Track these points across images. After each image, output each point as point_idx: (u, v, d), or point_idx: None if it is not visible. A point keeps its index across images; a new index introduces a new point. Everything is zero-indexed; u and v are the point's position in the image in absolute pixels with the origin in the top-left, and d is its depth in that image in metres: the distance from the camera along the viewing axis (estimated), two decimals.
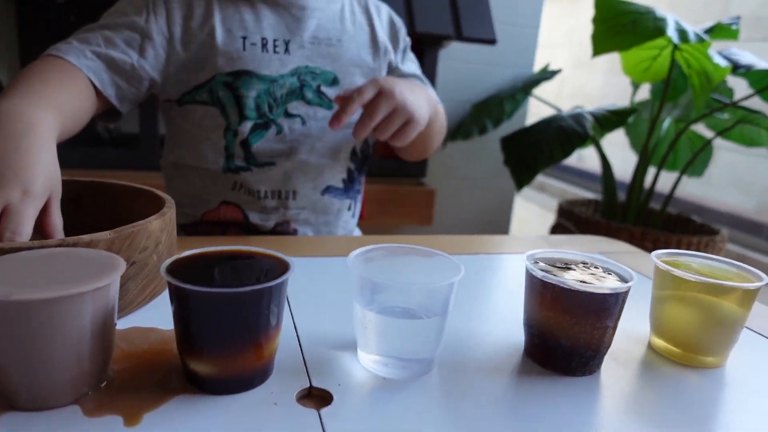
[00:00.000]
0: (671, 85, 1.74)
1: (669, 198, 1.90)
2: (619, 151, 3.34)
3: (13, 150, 0.51)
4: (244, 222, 0.83)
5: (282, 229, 0.84)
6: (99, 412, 0.36)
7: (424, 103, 0.78)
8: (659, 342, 0.51)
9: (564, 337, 0.44)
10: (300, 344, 0.47)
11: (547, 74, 1.95)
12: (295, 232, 0.85)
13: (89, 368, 0.38)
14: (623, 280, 0.46)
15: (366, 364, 0.44)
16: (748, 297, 0.48)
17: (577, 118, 1.60)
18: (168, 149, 0.88)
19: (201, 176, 0.83)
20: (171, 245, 0.55)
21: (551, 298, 0.44)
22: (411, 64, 0.97)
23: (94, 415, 0.36)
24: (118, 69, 0.73)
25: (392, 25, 0.93)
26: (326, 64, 0.83)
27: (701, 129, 2.18)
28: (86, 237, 0.44)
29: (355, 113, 0.71)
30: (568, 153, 1.55)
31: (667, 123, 2.02)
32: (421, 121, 0.75)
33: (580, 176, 4.59)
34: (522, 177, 1.62)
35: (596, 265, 0.49)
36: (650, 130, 1.78)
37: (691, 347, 0.49)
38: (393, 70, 0.95)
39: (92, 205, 0.64)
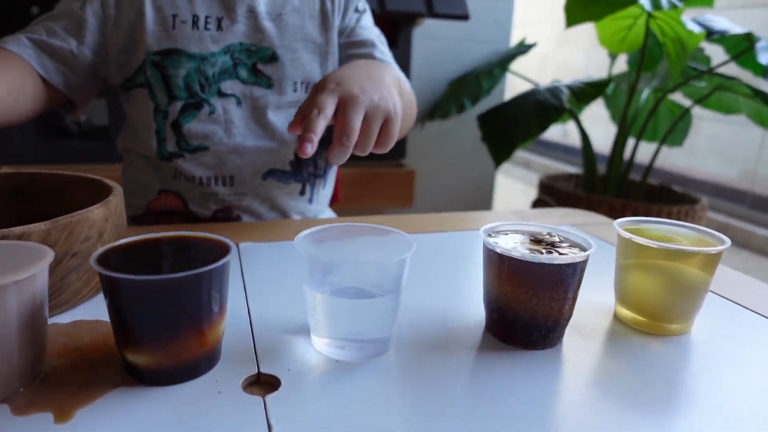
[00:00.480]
0: (647, 54, 1.73)
1: (649, 168, 1.89)
2: (602, 125, 3.33)
3: None
4: (185, 210, 0.81)
5: (223, 217, 0.82)
6: (29, 409, 0.35)
7: (390, 85, 0.61)
8: (624, 311, 0.50)
9: (522, 310, 0.43)
10: (252, 329, 0.46)
11: (523, 48, 1.92)
12: (238, 219, 0.83)
13: (19, 364, 0.36)
14: (582, 249, 0.45)
15: (319, 347, 0.43)
16: (711, 261, 0.46)
17: (554, 91, 1.58)
18: (119, 137, 0.86)
19: (144, 163, 0.81)
20: (118, 234, 0.53)
21: (508, 271, 0.43)
22: (366, 30, 0.87)
23: (23, 414, 0.34)
24: (60, 57, 0.72)
25: None
26: (264, 40, 0.78)
27: (680, 98, 2.17)
28: (17, 229, 0.42)
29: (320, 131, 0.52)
30: (544, 127, 1.53)
31: (645, 93, 2.00)
32: (398, 111, 0.58)
33: (564, 152, 4.59)
34: (500, 153, 1.60)
35: (555, 235, 0.48)
36: (628, 101, 1.77)
37: (656, 315, 0.48)
38: (347, 36, 0.86)
39: (38, 197, 0.61)
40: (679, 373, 0.43)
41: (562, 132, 4.56)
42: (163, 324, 0.37)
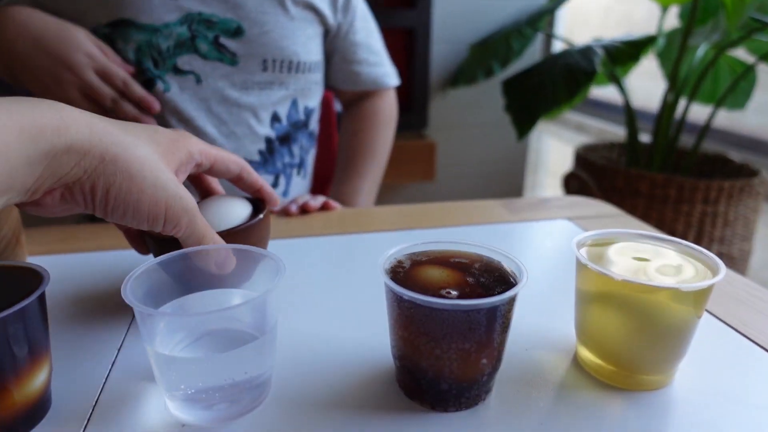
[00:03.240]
0: (700, 5, 1.49)
1: (702, 134, 1.67)
2: (660, 84, 3.03)
3: None
4: None
5: None
6: None
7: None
8: (586, 355, 0.39)
9: (425, 363, 0.33)
10: (110, 370, 0.38)
11: (555, 3, 1.72)
12: None
13: None
14: (512, 281, 0.34)
15: (168, 407, 0.34)
16: (698, 298, 0.34)
17: (586, 52, 1.39)
18: None
19: None
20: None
21: (406, 314, 0.33)
22: (362, 29, 0.85)
23: None
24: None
25: None
26: (226, 11, 0.69)
27: (743, 55, 1.90)
28: None
29: None
30: (573, 93, 1.36)
31: (702, 49, 1.76)
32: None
33: (621, 113, 4.26)
34: (522, 124, 1.44)
35: (483, 260, 0.36)
36: (678, 57, 1.56)
37: (624, 363, 0.36)
38: (336, 35, 0.82)
39: None
40: None
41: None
42: None
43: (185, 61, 0.69)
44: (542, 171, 3.40)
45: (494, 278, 0.34)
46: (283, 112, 0.77)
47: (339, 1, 0.80)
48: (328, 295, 0.49)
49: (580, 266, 0.37)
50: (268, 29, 0.71)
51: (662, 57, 2.02)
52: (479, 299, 0.31)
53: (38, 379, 0.33)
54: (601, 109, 4.42)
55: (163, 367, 0.32)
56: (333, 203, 0.70)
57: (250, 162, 0.75)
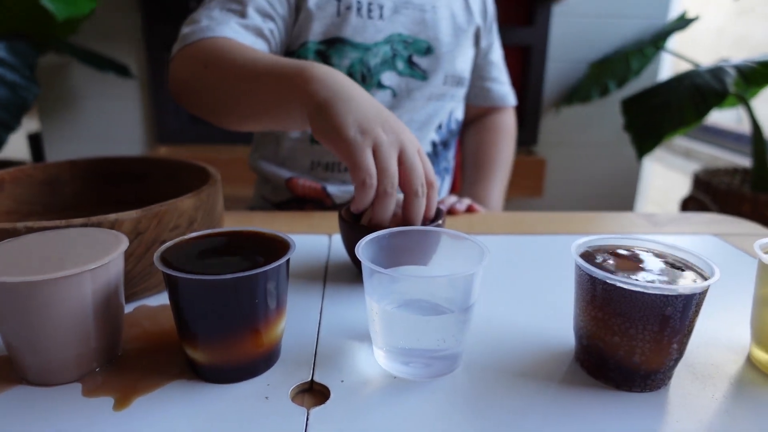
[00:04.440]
0: None
1: None
2: None
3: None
4: (323, 194, 0.81)
5: None
6: (96, 392, 0.37)
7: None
8: (762, 356, 0.40)
9: (616, 344, 0.36)
10: (319, 328, 0.44)
11: (682, 23, 1.67)
12: None
13: (96, 346, 0.38)
14: (702, 276, 0.36)
15: (379, 360, 0.40)
16: None
17: (716, 72, 1.35)
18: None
19: (289, 140, 0.81)
20: (211, 222, 0.55)
21: (602, 297, 0.36)
22: (497, 49, 0.94)
23: (90, 395, 0.36)
24: (265, 39, 0.71)
25: None
26: (420, 32, 0.78)
27: None
28: (112, 216, 0.45)
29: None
30: (701, 114, 1.32)
31: None
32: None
33: (736, 141, 3.99)
34: (644, 144, 1.42)
35: (669, 255, 0.39)
36: None
37: None
38: (480, 54, 0.90)
39: (156, 181, 0.66)
40: None
41: (736, 117, 3.96)
42: (217, 323, 0.36)
43: (386, 77, 0.77)
44: (646, 196, 3.25)
45: (684, 272, 0.37)
46: (444, 121, 0.84)
47: (487, 24, 0.88)
48: (499, 286, 0.53)
49: (764, 267, 0.39)
50: (450, 49, 0.80)
51: None
52: (678, 285, 0.34)
53: (279, 328, 0.39)
54: (712, 134, 4.16)
55: (385, 322, 0.38)
56: (477, 207, 0.75)
57: None
